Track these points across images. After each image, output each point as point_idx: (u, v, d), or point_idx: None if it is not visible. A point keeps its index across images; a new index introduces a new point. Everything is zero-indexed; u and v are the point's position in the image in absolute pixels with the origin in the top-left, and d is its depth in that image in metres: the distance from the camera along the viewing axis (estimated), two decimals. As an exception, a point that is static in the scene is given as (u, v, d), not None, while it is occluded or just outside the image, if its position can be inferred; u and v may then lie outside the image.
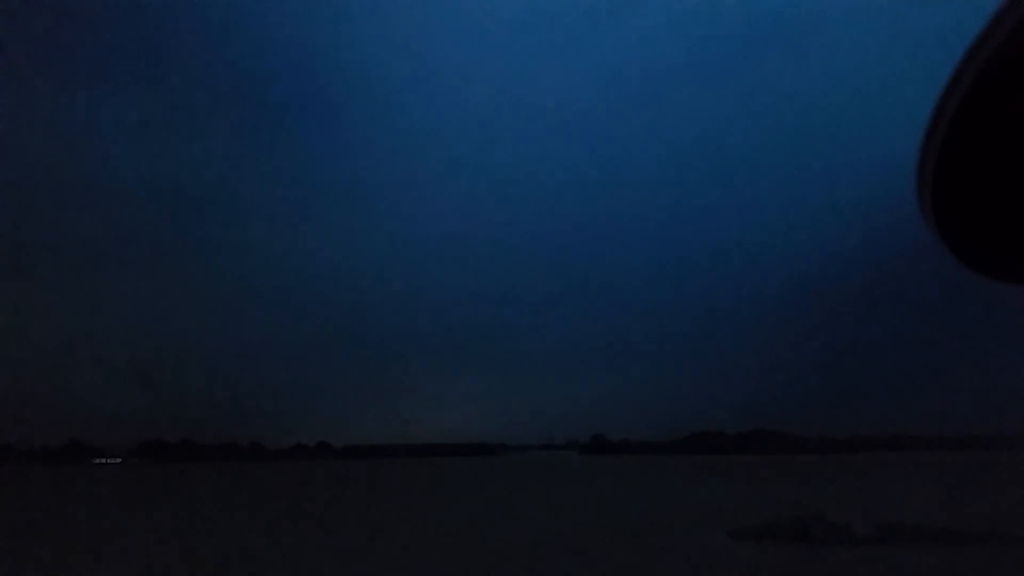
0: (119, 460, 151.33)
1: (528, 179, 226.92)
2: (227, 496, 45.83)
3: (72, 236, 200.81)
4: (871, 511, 24.60)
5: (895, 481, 46.54)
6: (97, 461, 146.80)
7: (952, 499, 30.76)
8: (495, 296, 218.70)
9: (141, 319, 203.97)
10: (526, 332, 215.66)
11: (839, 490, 38.21)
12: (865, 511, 24.55)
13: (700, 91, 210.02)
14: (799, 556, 17.68)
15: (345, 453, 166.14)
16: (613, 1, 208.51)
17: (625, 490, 44.56)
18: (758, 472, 63.09)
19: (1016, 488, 35.28)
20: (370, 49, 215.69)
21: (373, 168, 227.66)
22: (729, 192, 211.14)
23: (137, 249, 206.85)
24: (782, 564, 16.77)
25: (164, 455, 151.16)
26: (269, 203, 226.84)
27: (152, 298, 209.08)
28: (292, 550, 19.95)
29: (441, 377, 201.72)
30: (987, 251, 1.27)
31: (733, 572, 15.86)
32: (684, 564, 16.75)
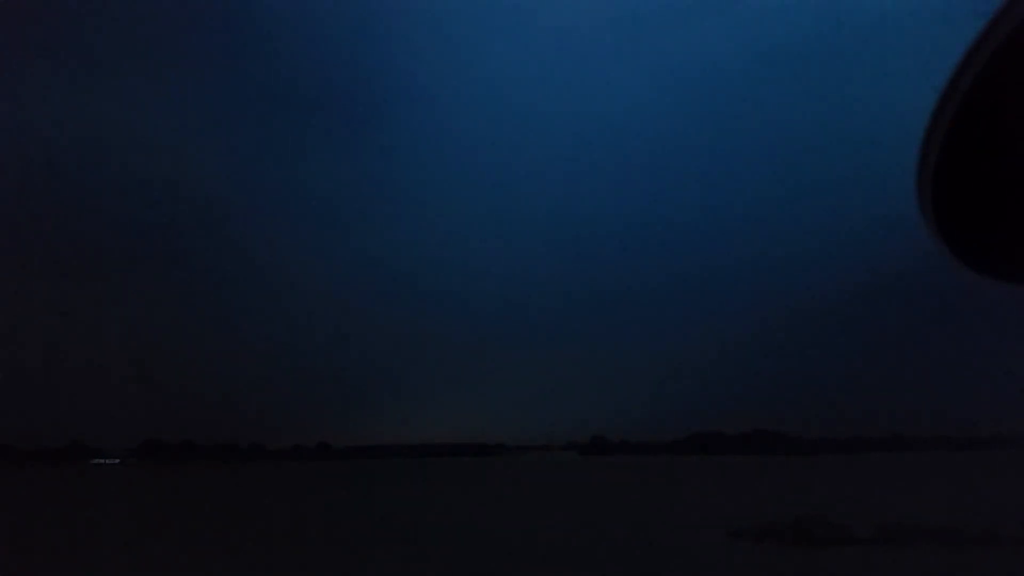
0: (117, 460, 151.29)
1: (546, 184, 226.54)
2: (227, 496, 45.81)
3: (73, 235, 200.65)
4: (871, 511, 24.58)
5: (895, 481, 46.51)
6: (97, 461, 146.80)
7: (952, 499, 30.75)
8: (496, 296, 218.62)
9: (141, 319, 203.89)
10: (527, 332, 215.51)
11: (839, 490, 38.18)
12: (865, 511, 24.54)
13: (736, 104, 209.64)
14: (799, 556, 17.68)
15: (345, 453, 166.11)
16: (669, 9, 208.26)
17: (625, 490, 44.54)
18: (758, 472, 63.08)
19: (1016, 488, 35.28)
20: (417, 51, 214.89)
21: (379, 172, 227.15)
22: (731, 193, 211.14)
23: (139, 248, 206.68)
24: (782, 564, 16.77)
25: (164, 455, 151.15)
26: (273, 203, 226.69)
27: (152, 298, 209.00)
28: (292, 550, 19.95)
29: (441, 377, 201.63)
30: (987, 251, 1.27)
31: (733, 572, 15.87)
32: (684, 564, 16.75)
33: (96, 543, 22.21)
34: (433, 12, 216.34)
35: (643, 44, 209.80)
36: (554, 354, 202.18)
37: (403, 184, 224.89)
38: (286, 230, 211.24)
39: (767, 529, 21.19)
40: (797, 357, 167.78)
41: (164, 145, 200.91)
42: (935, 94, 1.13)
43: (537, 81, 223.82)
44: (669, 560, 17.22)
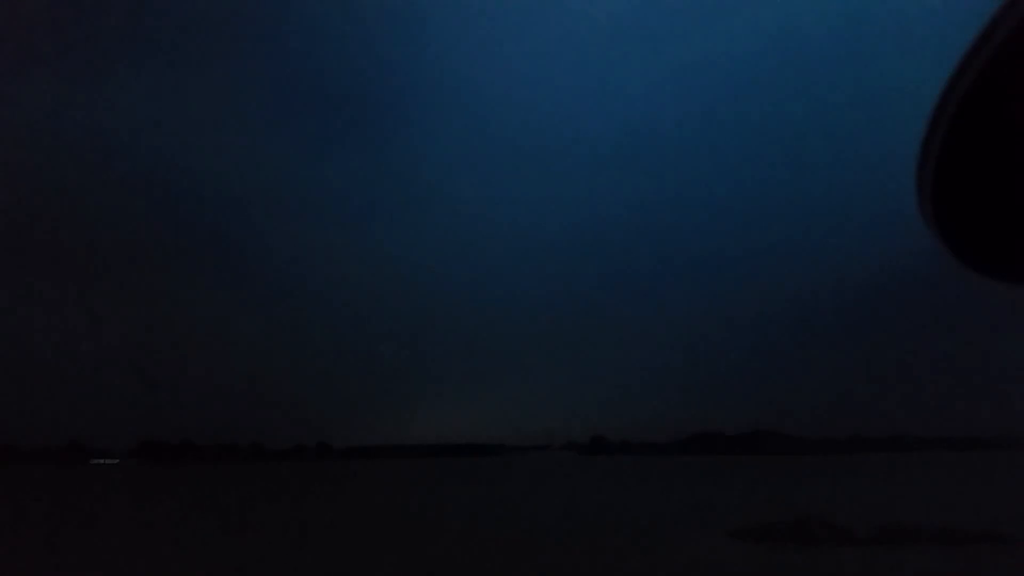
0: (117, 460, 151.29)
1: (551, 185, 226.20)
2: (227, 496, 45.80)
3: (74, 235, 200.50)
4: (871, 511, 24.60)
5: (895, 481, 46.53)
6: (97, 461, 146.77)
7: (952, 499, 30.75)
8: (496, 297, 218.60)
9: (141, 319, 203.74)
10: (527, 332, 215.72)
11: (839, 490, 38.19)
12: (865, 511, 24.55)
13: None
14: (799, 556, 17.68)
15: (345, 453, 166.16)
16: (675, 8, 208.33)
17: (625, 490, 44.55)
18: (758, 472, 63.06)
19: (1016, 488, 35.28)
20: (440, 50, 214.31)
21: (389, 172, 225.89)
22: (733, 195, 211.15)
23: (142, 249, 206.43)
24: (782, 564, 16.77)
25: (164, 455, 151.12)
26: (273, 201, 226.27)
27: (152, 298, 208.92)
28: (292, 551, 19.95)
29: (441, 377, 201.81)
30: (987, 251, 1.27)
31: (733, 572, 15.86)
32: (684, 564, 16.74)
33: (96, 543, 22.21)
34: (455, 12, 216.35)
35: (650, 42, 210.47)
36: (554, 354, 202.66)
37: (405, 185, 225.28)
38: (291, 231, 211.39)
39: (767, 529, 21.19)
40: (797, 357, 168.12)
41: (180, 143, 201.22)
42: (936, 93, 1.13)
43: (555, 81, 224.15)
44: (669, 560, 17.22)
